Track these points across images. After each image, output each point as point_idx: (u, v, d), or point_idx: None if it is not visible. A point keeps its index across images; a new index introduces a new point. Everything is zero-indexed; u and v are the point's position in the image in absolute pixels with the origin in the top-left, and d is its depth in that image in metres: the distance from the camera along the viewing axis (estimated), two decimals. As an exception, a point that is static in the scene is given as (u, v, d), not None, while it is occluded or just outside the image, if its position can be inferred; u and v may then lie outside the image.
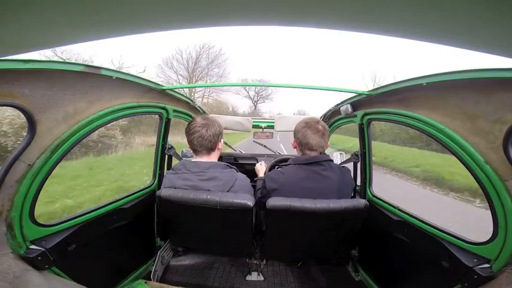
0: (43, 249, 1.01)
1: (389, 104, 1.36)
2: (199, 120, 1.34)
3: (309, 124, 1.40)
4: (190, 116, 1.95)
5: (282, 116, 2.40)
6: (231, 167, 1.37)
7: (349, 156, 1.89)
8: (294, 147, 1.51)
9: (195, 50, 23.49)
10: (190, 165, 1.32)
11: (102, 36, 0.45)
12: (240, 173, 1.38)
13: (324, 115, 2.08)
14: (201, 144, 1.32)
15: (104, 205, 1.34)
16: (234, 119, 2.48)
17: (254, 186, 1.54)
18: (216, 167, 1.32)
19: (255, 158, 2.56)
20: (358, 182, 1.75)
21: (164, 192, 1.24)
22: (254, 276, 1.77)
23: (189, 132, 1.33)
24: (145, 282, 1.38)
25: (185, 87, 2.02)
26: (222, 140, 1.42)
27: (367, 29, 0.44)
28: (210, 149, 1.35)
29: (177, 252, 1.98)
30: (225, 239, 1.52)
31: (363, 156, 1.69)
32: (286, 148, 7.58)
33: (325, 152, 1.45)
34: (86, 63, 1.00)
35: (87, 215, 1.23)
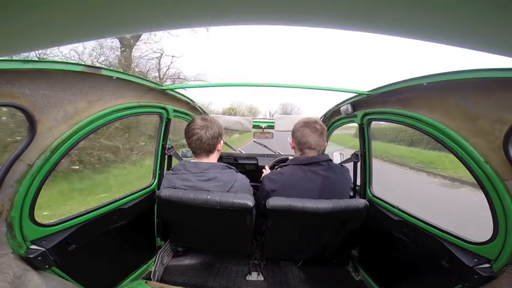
0: (43, 249, 1.01)
1: (389, 104, 1.36)
2: (198, 121, 1.32)
3: (307, 123, 1.40)
4: (191, 116, 1.94)
5: (282, 116, 2.40)
6: (230, 168, 1.37)
7: (349, 156, 1.90)
8: (292, 147, 1.52)
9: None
10: (190, 165, 1.32)
11: (103, 36, 0.45)
12: (239, 174, 1.38)
13: (324, 115, 2.08)
14: (200, 147, 1.31)
15: (104, 205, 1.34)
16: (233, 118, 2.49)
17: (254, 187, 1.54)
18: (215, 168, 1.32)
19: (255, 158, 2.56)
20: (358, 182, 1.76)
21: (164, 192, 1.24)
22: (254, 276, 1.76)
23: (188, 134, 1.32)
24: (146, 282, 1.38)
25: (185, 87, 2.04)
26: (221, 142, 1.42)
27: (367, 28, 0.44)
28: (208, 151, 1.35)
29: (177, 252, 1.98)
30: (225, 239, 1.52)
31: (363, 156, 1.69)
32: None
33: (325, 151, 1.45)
34: (85, 63, 1.00)
35: (87, 215, 1.23)
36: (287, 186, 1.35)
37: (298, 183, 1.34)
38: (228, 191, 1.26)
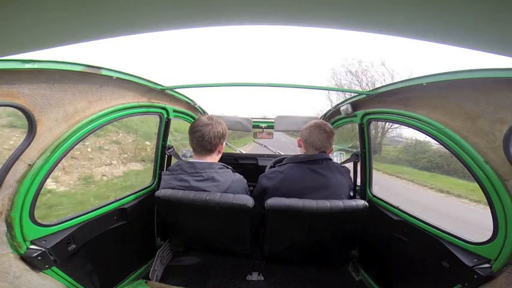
0: (43, 249, 1.01)
1: (389, 103, 1.36)
2: (203, 119, 1.33)
3: (317, 124, 1.43)
4: (191, 116, 1.94)
5: (282, 115, 2.38)
6: (227, 167, 1.36)
7: (349, 156, 1.90)
8: (299, 146, 1.53)
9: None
10: (186, 165, 1.31)
11: (103, 36, 0.45)
12: (236, 174, 1.38)
13: (324, 115, 2.08)
14: (201, 145, 1.31)
15: (104, 205, 1.34)
16: (233, 118, 2.46)
17: (253, 187, 1.54)
18: (212, 168, 1.31)
19: (255, 158, 2.56)
20: (358, 182, 1.75)
21: (163, 192, 1.24)
22: (254, 276, 1.76)
23: (191, 131, 1.32)
24: (146, 282, 1.38)
25: (185, 87, 2.03)
26: (224, 144, 1.40)
27: (367, 27, 0.44)
28: (209, 151, 1.34)
29: (177, 252, 1.98)
30: (224, 239, 1.52)
31: (363, 156, 1.69)
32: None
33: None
34: (86, 63, 1.00)
35: (87, 215, 1.23)
36: (285, 184, 1.35)
37: (296, 181, 1.34)
38: (225, 191, 1.26)
